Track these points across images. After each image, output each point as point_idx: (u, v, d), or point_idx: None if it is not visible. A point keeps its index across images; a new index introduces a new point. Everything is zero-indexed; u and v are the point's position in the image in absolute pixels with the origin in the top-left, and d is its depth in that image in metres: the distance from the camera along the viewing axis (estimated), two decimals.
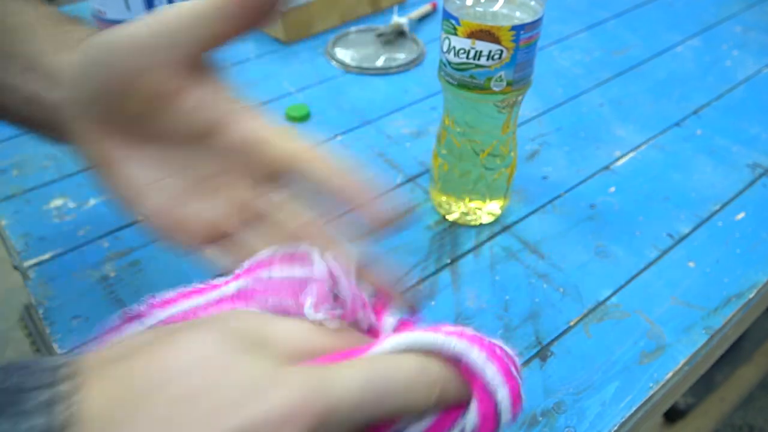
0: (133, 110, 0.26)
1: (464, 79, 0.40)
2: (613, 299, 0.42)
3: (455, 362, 0.22)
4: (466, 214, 0.48)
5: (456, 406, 0.23)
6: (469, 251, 0.46)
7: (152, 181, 0.28)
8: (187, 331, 0.21)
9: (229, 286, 0.26)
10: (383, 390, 0.20)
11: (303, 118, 0.59)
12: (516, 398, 0.23)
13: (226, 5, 0.24)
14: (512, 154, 0.46)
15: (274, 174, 0.28)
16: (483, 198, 0.47)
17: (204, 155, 0.28)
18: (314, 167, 0.26)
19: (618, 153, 0.55)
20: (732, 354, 0.91)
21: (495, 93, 0.40)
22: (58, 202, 0.49)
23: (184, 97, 0.26)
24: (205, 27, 0.25)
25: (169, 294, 0.25)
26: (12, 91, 0.27)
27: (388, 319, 0.26)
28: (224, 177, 0.29)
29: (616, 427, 0.35)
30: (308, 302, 0.24)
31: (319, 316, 0.23)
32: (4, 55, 0.27)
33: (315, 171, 0.26)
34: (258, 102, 0.62)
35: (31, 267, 0.44)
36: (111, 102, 0.25)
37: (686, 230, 0.48)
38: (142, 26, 0.26)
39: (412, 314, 0.28)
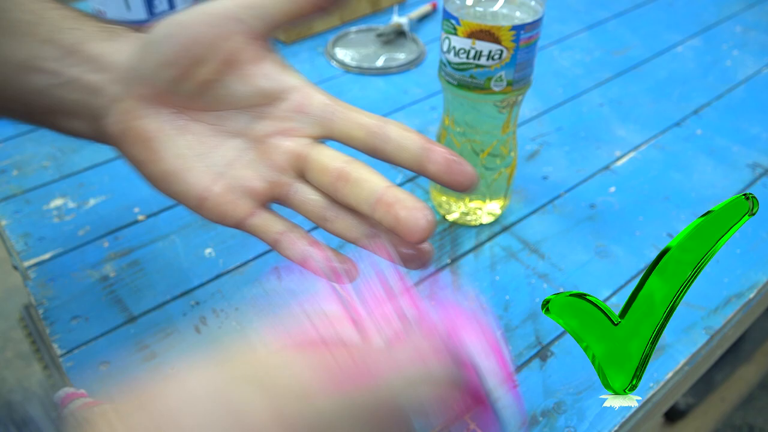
0: (204, 76, 0.27)
1: (464, 79, 0.40)
2: (613, 299, 0.42)
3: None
4: (466, 214, 0.48)
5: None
6: (469, 251, 0.46)
7: (201, 153, 0.28)
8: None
9: None
10: None
11: None
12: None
13: None
14: (512, 154, 0.46)
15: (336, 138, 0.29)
16: (483, 198, 0.47)
17: (261, 120, 0.29)
18: (392, 131, 0.28)
19: (618, 153, 0.55)
20: (732, 354, 0.91)
21: (495, 93, 0.40)
22: (58, 202, 0.49)
23: (253, 66, 0.28)
24: (283, 5, 0.27)
25: None
26: (48, 75, 0.28)
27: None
28: (280, 137, 0.29)
29: (616, 427, 0.35)
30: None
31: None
32: (42, 41, 0.28)
33: (393, 135, 0.27)
34: None
35: (31, 267, 0.44)
36: (183, 69, 0.26)
37: None
38: (226, 3, 0.27)
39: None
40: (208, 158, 0.28)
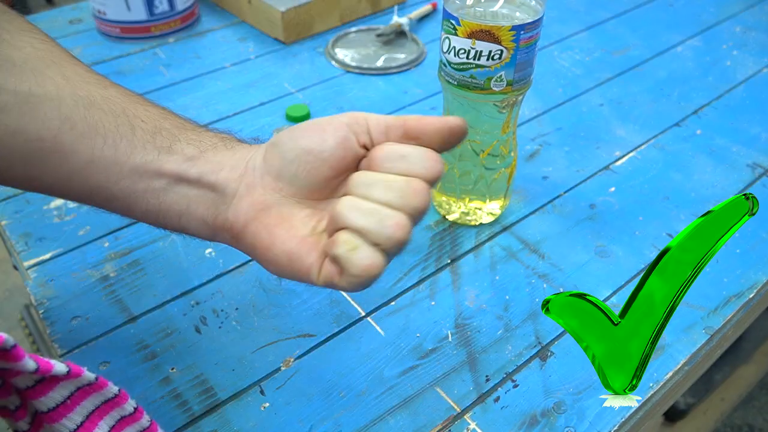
0: (326, 172, 0.30)
1: (464, 79, 0.40)
2: (613, 299, 0.42)
3: None
4: (466, 214, 0.48)
5: None
6: (469, 251, 0.46)
7: (313, 231, 0.30)
8: None
9: None
10: None
11: (303, 118, 0.59)
12: None
13: (395, 123, 0.30)
14: (512, 154, 0.46)
15: None
16: (483, 198, 0.47)
17: None
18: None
19: (618, 153, 0.55)
20: (732, 354, 0.91)
21: (495, 93, 0.40)
22: (58, 202, 0.49)
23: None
24: (381, 128, 0.30)
25: None
26: (177, 176, 0.31)
27: None
28: None
29: (616, 427, 0.35)
30: None
31: None
32: (164, 151, 0.31)
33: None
34: (258, 102, 0.62)
35: (31, 267, 0.44)
36: (310, 167, 0.30)
37: None
38: (339, 116, 0.30)
39: None
40: (316, 239, 0.30)
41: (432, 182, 0.29)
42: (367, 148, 0.30)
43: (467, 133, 0.30)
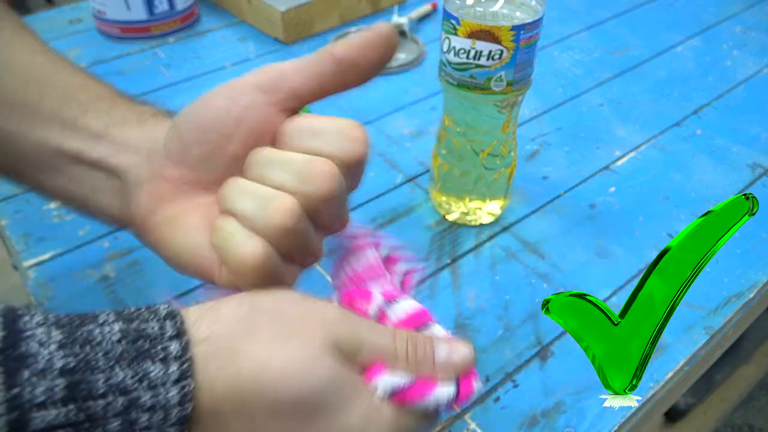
0: (233, 152, 0.26)
1: (464, 79, 0.40)
2: (613, 299, 0.42)
3: None
4: (466, 214, 0.48)
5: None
6: (469, 251, 0.46)
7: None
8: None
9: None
10: None
11: None
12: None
13: (322, 63, 0.26)
14: (512, 154, 0.46)
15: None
16: (483, 198, 0.47)
17: None
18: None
19: (618, 153, 0.55)
20: (732, 354, 0.91)
21: (495, 93, 0.40)
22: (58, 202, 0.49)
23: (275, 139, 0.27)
24: (305, 79, 0.26)
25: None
26: (76, 156, 0.28)
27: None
28: None
29: (616, 427, 0.35)
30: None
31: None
32: (66, 126, 0.28)
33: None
34: None
35: (31, 267, 0.44)
36: (210, 147, 0.26)
37: None
38: (246, 77, 0.26)
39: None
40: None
41: (349, 165, 0.25)
42: (290, 110, 0.26)
43: (396, 38, 0.26)
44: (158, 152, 0.27)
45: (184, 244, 0.27)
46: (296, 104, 0.26)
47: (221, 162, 0.26)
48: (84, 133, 0.27)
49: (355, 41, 0.26)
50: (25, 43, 0.30)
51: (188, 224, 0.27)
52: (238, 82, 0.26)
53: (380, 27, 0.26)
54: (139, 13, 0.69)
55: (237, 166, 0.26)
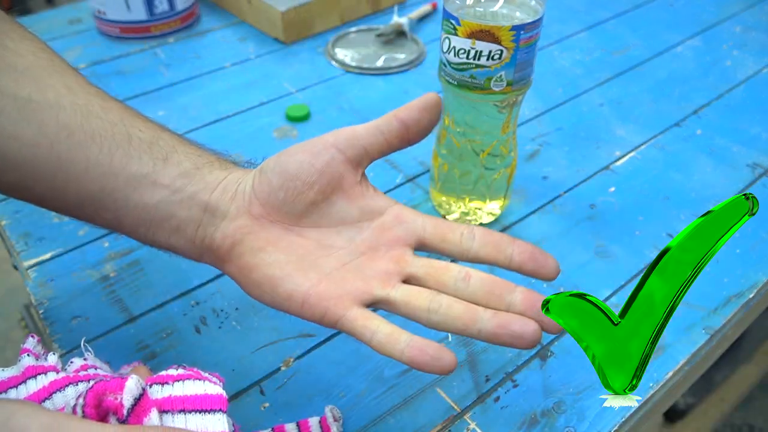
0: (312, 198, 0.31)
1: (464, 79, 0.40)
2: (613, 299, 0.42)
3: None
4: (466, 214, 0.48)
5: None
6: None
7: (308, 262, 0.31)
8: None
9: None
10: None
11: (303, 118, 0.59)
12: None
13: (390, 125, 0.31)
14: (512, 154, 0.46)
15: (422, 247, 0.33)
16: (483, 198, 0.47)
17: (363, 232, 0.32)
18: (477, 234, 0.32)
19: (618, 153, 0.55)
20: (732, 354, 0.91)
21: (495, 93, 0.40)
22: None
23: (354, 188, 0.32)
24: (375, 138, 0.31)
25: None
26: (165, 190, 0.31)
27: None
28: (382, 247, 0.32)
29: (616, 427, 0.35)
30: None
31: None
32: (159, 159, 0.31)
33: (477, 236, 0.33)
34: (258, 102, 0.62)
35: (31, 267, 0.44)
36: (293, 192, 0.31)
37: None
38: (325, 136, 0.31)
39: None
40: (314, 267, 0.31)
41: None
42: (362, 166, 0.32)
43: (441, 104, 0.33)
44: (246, 192, 0.31)
45: (266, 274, 0.30)
46: (367, 161, 0.32)
47: (301, 205, 0.31)
48: (177, 169, 0.31)
49: (414, 107, 0.32)
50: (91, 87, 0.33)
51: (270, 257, 0.31)
52: (320, 141, 0.31)
53: (430, 97, 0.32)
54: (139, 13, 0.69)
55: (314, 209, 0.31)
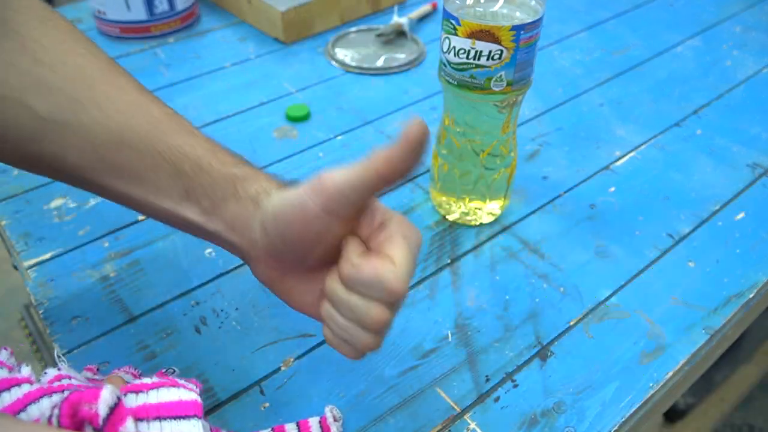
0: (319, 254, 0.31)
1: (464, 79, 0.40)
2: (613, 299, 0.42)
3: None
4: (466, 214, 0.48)
5: None
6: (469, 251, 0.46)
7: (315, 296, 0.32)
8: None
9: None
10: None
11: (303, 118, 0.59)
12: None
13: (372, 172, 0.29)
14: (512, 154, 0.46)
15: None
16: (483, 198, 0.47)
17: None
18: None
19: (618, 153, 0.55)
20: (732, 354, 0.91)
21: (495, 93, 0.40)
22: (58, 202, 0.49)
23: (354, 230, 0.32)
24: (362, 193, 0.29)
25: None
26: (193, 228, 0.33)
27: None
28: None
29: (616, 427, 0.35)
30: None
31: None
32: (183, 199, 0.32)
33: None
34: (258, 102, 0.62)
35: (31, 267, 0.44)
36: (301, 254, 0.31)
37: (686, 230, 0.48)
38: (316, 203, 0.29)
39: None
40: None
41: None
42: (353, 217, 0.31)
43: (427, 130, 0.28)
44: (257, 243, 0.31)
45: (298, 302, 0.33)
46: (356, 213, 0.31)
47: (310, 261, 0.31)
48: (198, 208, 0.32)
49: (390, 155, 0.28)
50: (129, 96, 0.33)
51: (297, 296, 0.33)
52: (310, 210, 0.29)
53: (414, 130, 0.28)
54: (139, 13, 0.69)
55: (328, 257, 0.31)
